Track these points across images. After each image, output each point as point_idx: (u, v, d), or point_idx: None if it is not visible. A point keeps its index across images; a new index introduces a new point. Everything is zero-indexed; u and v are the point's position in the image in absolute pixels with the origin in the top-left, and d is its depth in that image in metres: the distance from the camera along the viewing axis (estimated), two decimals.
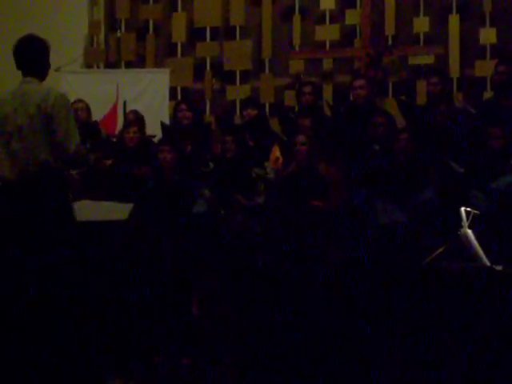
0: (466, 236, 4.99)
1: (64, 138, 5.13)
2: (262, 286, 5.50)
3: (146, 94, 9.24)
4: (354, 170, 6.80)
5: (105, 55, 10.06)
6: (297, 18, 9.66)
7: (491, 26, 9.15)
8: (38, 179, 5.14)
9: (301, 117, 7.60)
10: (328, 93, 9.39)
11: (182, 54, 9.96)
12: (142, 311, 5.80)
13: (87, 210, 5.89)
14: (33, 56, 5.27)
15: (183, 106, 8.02)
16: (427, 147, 6.91)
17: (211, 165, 7.36)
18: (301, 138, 6.94)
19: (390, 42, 9.26)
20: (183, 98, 9.42)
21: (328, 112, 8.27)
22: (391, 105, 8.72)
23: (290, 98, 9.39)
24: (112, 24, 10.15)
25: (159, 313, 5.84)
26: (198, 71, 9.83)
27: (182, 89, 9.80)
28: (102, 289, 5.57)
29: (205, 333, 5.67)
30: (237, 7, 9.79)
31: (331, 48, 9.50)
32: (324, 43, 9.55)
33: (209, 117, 9.53)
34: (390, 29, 9.34)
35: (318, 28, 9.57)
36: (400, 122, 7.74)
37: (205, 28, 9.87)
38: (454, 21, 9.26)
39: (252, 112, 8.09)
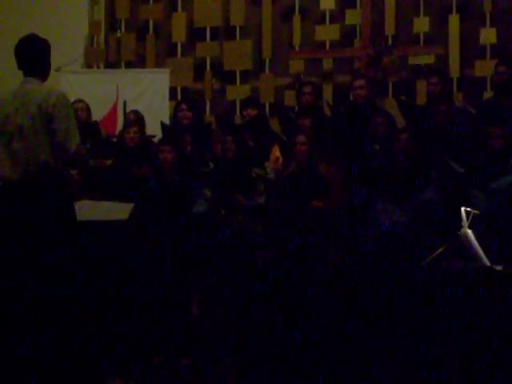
0: (466, 236, 4.99)
1: (64, 138, 5.13)
2: (262, 285, 5.50)
3: (146, 94, 9.23)
4: (354, 170, 6.79)
5: (105, 55, 10.05)
6: (297, 18, 9.66)
7: (491, 25, 9.14)
8: (38, 179, 5.14)
9: (301, 117, 7.60)
10: (328, 93, 9.39)
11: (182, 54, 9.96)
12: (142, 311, 5.80)
13: (87, 209, 5.89)
14: (34, 56, 5.27)
15: (183, 106, 8.03)
16: (427, 147, 6.91)
17: (211, 165, 7.36)
18: (301, 138, 6.94)
19: (390, 41, 9.26)
20: (183, 97, 9.42)
21: (328, 112, 8.27)
22: (391, 105, 8.70)
23: (290, 98, 9.38)
24: (112, 24, 10.14)
25: (159, 313, 5.84)
26: (198, 71, 9.83)
27: (182, 89, 9.79)
28: (102, 289, 5.58)
29: (205, 333, 5.67)
30: (237, 7, 9.78)
31: (331, 48, 9.50)
32: (324, 43, 9.54)
33: (209, 117, 9.54)
34: (390, 29, 9.33)
35: (317, 28, 9.56)
36: (400, 121, 7.74)
37: (205, 28, 9.86)
38: (454, 21, 9.25)
39: (252, 112, 8.09)
